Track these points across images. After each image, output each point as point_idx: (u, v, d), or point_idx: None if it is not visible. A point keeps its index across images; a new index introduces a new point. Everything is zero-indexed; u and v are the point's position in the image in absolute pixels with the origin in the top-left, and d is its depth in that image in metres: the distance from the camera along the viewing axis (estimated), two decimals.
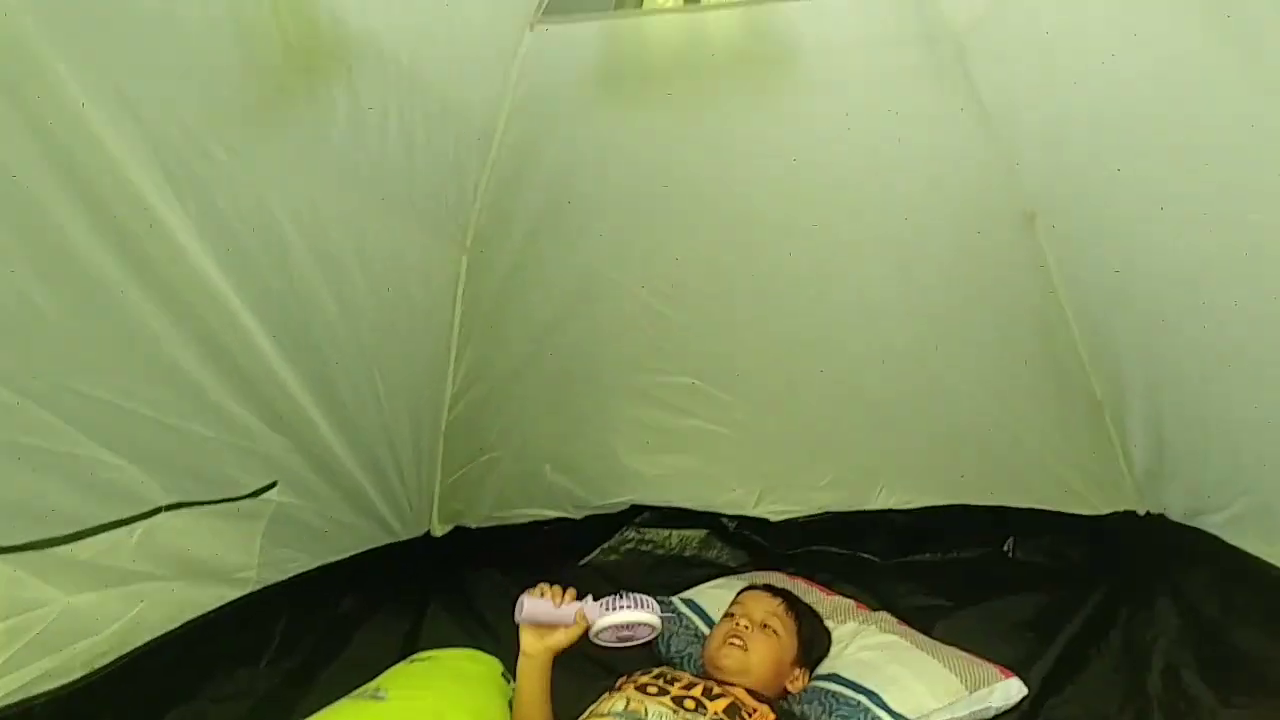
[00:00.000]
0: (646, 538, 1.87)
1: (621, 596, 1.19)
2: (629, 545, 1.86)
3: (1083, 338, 1.58)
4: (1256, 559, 1.42)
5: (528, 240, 1.47)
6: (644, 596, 1.20)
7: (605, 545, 1.87)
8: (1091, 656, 1.44)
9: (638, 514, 1.87)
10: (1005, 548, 1.78)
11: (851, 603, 1.60)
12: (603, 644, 1.20)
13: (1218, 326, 1.27)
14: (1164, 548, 1.62)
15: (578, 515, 1.85)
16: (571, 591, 1.23)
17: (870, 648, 1.42)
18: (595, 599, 1.20)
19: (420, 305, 1.37)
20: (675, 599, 1.64)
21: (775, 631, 1.36)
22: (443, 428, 1.68)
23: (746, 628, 1.34)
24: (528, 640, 1.20)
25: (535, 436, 1.76)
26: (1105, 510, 1.72)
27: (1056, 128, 1.32)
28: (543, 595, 1.20)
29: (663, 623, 1.21)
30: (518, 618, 1.19)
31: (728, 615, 1.41)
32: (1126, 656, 1.42)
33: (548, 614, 1.18)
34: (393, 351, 1.33)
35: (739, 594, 1.50)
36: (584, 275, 1.54)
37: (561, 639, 1.19)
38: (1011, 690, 1.32)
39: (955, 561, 1.76)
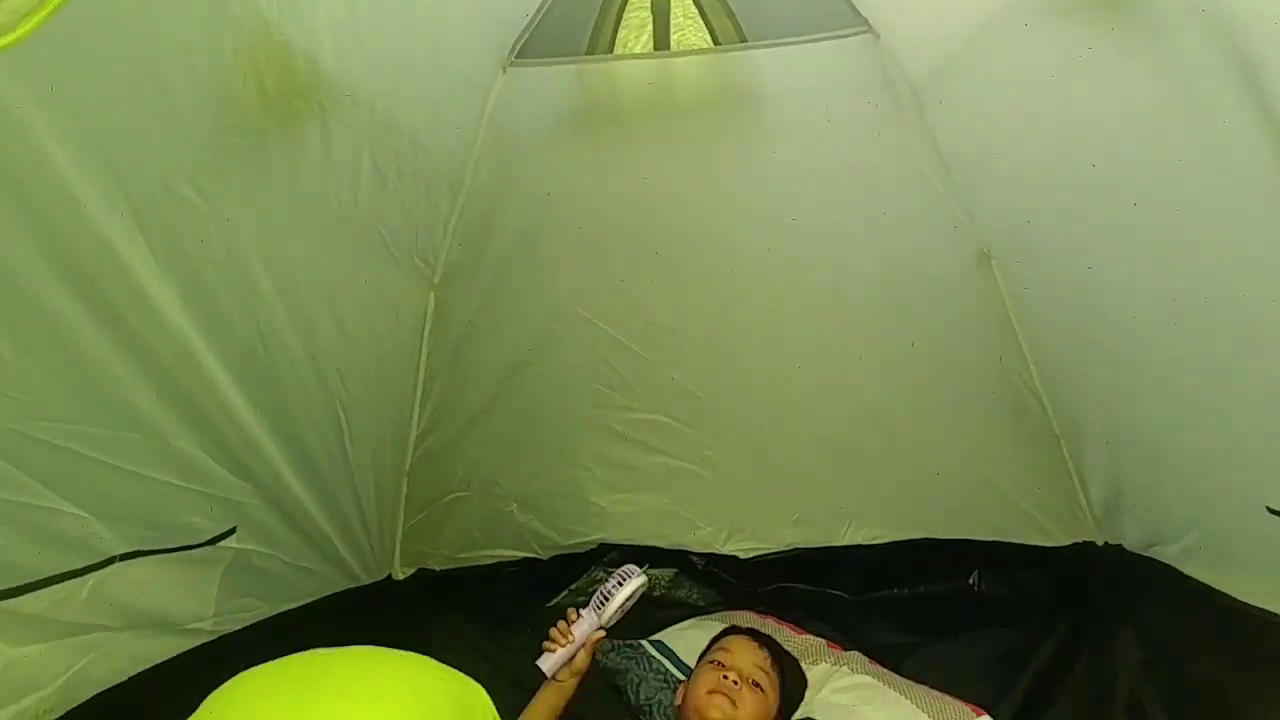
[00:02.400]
0: None
1: (606, 581, 1.33)
2: (597, 585, 1.84)
3: (1040, 375, 1.63)
4: (1210, 588, 1.46)
5: (497, 277, 1.47)
6: (622, 570, 1.33)
7: (572, 587, 1.84)
8: (1057, 692, 1.46)
9: (606, 553, 1.85)
10: (970, 581, 1.80)
11: (822, 642, 1.61)
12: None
13: (1173, 366, 1.33)
14: (1123, 578, 1.66)
15: (544, 556, 1.83)
16: (571, 615, 1.32)
17: (842, 690, 1.42)
18: (583, 606, 1.33)
19: (388, 345, 1.36)
20: (644, 642, 1.62)
21: (762, 688, 1.36)
22: (406, 468, 1.66)
23: (735, 684, 1.34)
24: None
25: (502, 476, 1.74)
26: (1066, 541, 1.76)
27: (1012, 169, 1.38)
28: (553, 648, 1.29)
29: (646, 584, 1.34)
30: (546, 671, 1.26)
31: (713, 663, 1.40)
32: (1092, 690, 1.45)
33: (565, 654, 1.28)
34: (358, 392, 1.32)
35: (722, 636, 1.49)
36: (553, 311, 1.55)
37: (583, 661, 1.29)
38: None
39: (922, 596, 1.78)
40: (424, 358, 1.51)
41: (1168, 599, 1.57)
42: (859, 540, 1.83)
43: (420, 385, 1.55)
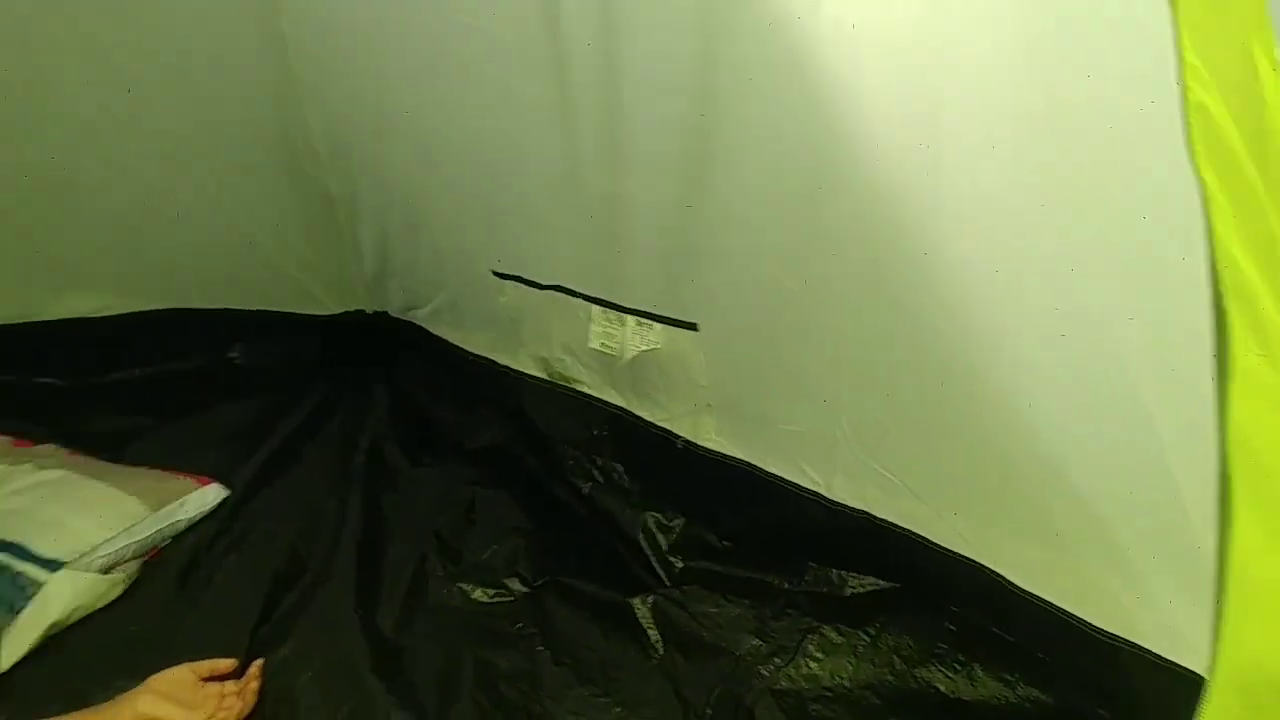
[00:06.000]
0: None
1: None
2: None
3: (318, 127, 1.48)
4: (451, 344, 1.67)
5: None
6: None
7: None
8: (306, 449, 1.47)
9: None
10: (232, 354, 1.64)
11: (7, 439, 1.22)
12: None
13: (430, 116, 1.33)
14: (385, 342, 1.76)
15: None
16: None
17: (20, 492, 1.10)
18: None
19: None
20: None
21: None
22: None
23: None
24: None
25: None
26: (338, 310, 1.75)
27: None
28: None
29: None
30: None
31: None
32: (338, 446, 1.50)
33: None
34: None
35: None
36: None
37: None
38: (208, 497, 1.22)
39: (167, 374, 1.52)
40: None
41: (418, 355, 1.74)
42: (81, 313, 1.43)
43: None
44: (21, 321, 1.38)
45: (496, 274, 1.50)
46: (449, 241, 1.55)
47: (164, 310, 1.51)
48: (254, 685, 0.95)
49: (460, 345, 1.67)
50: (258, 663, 0.97)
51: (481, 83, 1.22)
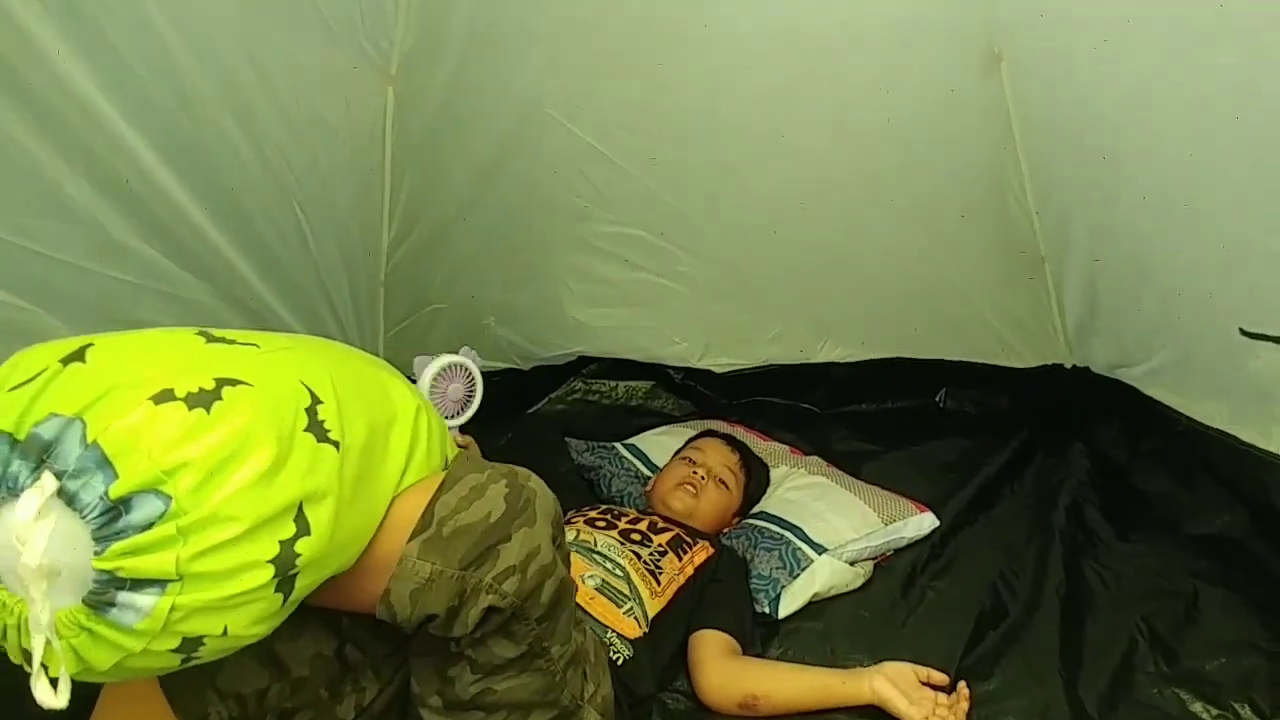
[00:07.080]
0: (593, 388, 1.90)
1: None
2: (576, 395, 1.90)
3: (1033, 189, 1.55)
4: (1166, 408, 1.50)
5: (459, 69, 1.35)
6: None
7: (552, 395, 1.90)
8: (1004, 495, 1.55)
9: (585, 365, 1.89)
10: (937, 398, 1.85)
11: (786, 448, 1.68)
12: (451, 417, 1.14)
13: (1166, 176, 1.26)
14: (1084, 398, 1.70)
15: (524, 366, 1.86)
16: None
17: (798, 488, 1.50)
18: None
19: (343, 138, 1.27)
20: (618, 444, 1.69)
21: (727, 485, 1.43)
22: (382, 277, 1.63)
23: (702, 478, 1.41)
24: None
25: (478, 287, 1.72)
26: (1035, 363, 1.78)
27: None
28: None
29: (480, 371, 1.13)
30: None
31: (684, 459, 1.47)
32: (1036, 495, 1.53)
33: None
34: (316, 190, 1.26)
35: (697, 438, 1.56)
36: (522, 112, 1.44)
37: None
38: (924, 523, 1.42)
39: (890, 411, 1.84)
40: (388, 159, 1.43)
41: (1124, 418, 1.62)
42: (834, 358, 1.85)
43: (388, 189, 1.48)
44: (795, 363, 1.87)
45: (1245, 333, 1.28)
46: (1180, 293, 1.40)
47: (891, 359, 1.82)
48: (964, 706, 1.06)
49: (1182, 412, 1.48)
50: (966, 686, 1.09)
51: (1230, 126, 1.08)
